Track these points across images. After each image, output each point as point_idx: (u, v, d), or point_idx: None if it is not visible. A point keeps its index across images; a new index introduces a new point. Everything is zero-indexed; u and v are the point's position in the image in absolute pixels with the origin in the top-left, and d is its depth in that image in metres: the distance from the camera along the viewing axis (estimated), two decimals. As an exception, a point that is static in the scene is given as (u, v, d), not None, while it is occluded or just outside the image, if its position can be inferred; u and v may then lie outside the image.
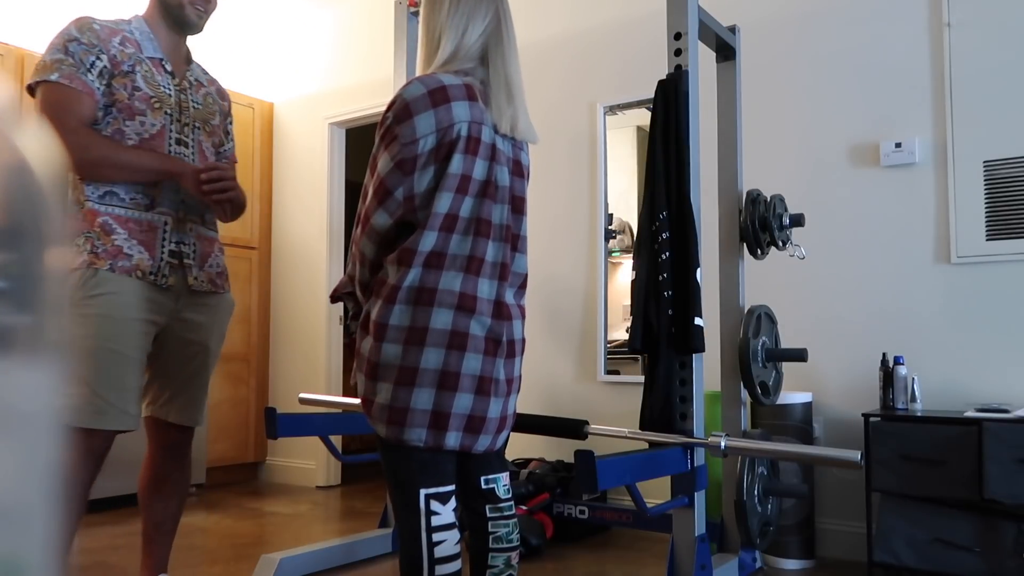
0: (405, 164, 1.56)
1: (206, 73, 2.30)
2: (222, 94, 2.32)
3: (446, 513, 1.59)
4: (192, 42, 2.29)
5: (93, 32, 2.02)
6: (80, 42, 1.99)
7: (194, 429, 2.25)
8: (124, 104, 2.02)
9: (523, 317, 1.75)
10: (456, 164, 1.57)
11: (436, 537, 1.57)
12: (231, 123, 2.36)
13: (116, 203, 2.02)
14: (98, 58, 2.00)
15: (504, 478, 1.76)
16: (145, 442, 2.25)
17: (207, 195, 2.06)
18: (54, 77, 1.96)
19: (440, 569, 1.57)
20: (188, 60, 2.23)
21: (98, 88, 2.00)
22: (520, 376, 1.75)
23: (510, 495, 1.76)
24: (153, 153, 2.05)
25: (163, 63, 2.13)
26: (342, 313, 4.95)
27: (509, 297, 1.69)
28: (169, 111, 2.10)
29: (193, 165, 2.08)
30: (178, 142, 2.11)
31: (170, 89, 2.12)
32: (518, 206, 1.72)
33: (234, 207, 2.19)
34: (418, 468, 1.58)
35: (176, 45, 2.19)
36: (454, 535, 1.60)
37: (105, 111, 2.02)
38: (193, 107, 2.17)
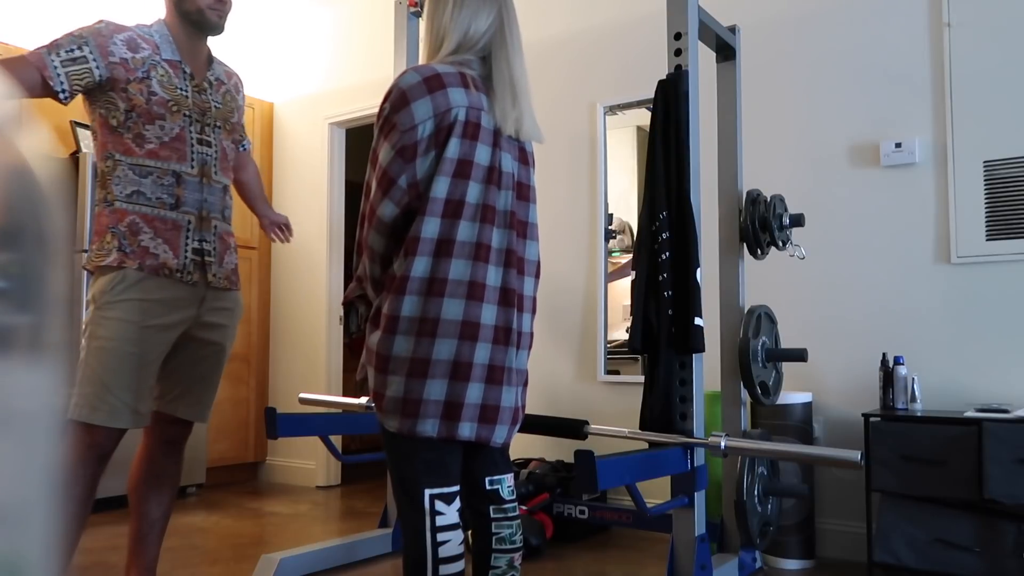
0: (406, 151, 1.56)
1: (224, 66, 2.36)
2: (238, 88, 2.39)
3: (450, 513, 1.59)
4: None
5: (95, 32, 2.06)
6: (74, 35, 2.04)
7: (193, 425, 2.30)
8: (143, 108, 2.09)
9: (534, 311, 1.74)
10: (453, 148, 1.57)
11: (440, 537, 1.57)
12: (243, 114, 2.44)
13: (143, 202, 2.09)
14: (80, 48, 2.02)
15: (509, 479, 1.75)
16: (136, 441, 2.28)
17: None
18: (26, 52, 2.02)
19: (444, 569, 1.57)
20: (210, 61, 2.29)
21: (55, 68, 1.99)
22: (527, 371, 1.75)
23: (514, 496, 1.76)
24: None
25: (181, 65, 2.18)
26: (341, 314, 4.94)
27: (521, 286, 1.68)
28: (188, 112, 2.16)
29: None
30: (200, 142, 2.18)
31: (187, 91, 2.17)
32: (524, 193, 1.71)
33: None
34: (423, 468, 1.58)
35: (198, 49, 2.23)
36: (458, 535, 1.60)
37: (126, 115, 2.08)
38: (215, 107, 2.24)
